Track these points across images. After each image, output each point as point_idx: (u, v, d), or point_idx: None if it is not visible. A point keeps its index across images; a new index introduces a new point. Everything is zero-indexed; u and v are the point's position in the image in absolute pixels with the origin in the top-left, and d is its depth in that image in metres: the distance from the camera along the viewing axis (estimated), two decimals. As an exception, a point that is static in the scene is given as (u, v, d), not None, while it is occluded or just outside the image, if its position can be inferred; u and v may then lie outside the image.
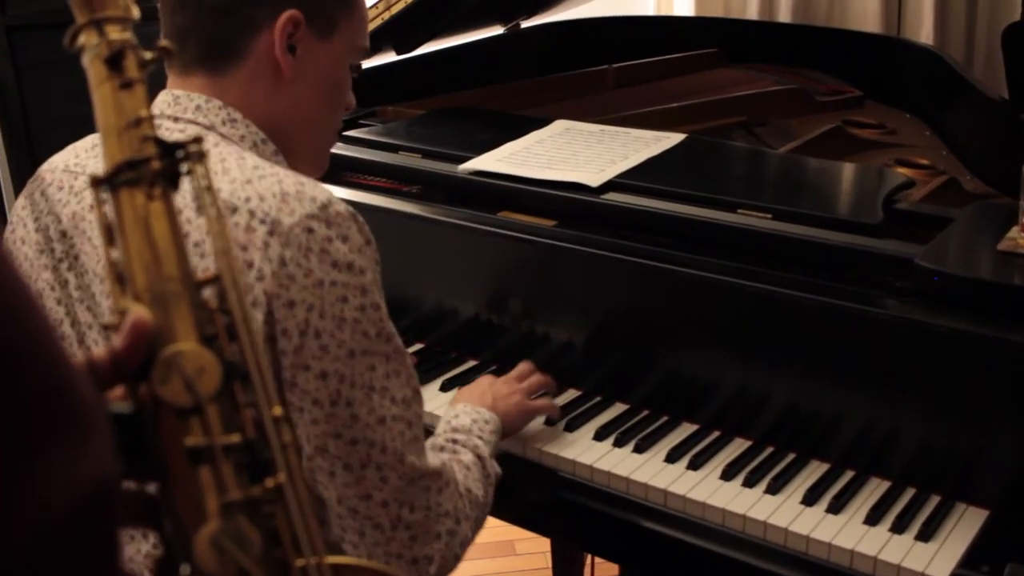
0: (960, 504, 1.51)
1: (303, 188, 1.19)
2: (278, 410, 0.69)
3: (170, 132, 1.26)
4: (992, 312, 1.46)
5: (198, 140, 0.73)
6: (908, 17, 3.73)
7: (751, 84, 2.71)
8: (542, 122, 2.16)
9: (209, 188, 0.74)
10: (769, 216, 1.70)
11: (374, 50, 2.30)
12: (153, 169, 0.69)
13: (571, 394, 1.81)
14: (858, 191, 1.88)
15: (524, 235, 1.81)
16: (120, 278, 0.68)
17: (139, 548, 1.32)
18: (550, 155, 1.96)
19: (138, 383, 0.65)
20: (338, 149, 2.00)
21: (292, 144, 1.36)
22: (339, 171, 1.76)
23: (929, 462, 1.53)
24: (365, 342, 1.19)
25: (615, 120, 2.28)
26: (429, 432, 1.46)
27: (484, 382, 1.69)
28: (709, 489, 1.57)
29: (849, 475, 1.58)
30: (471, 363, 1.91)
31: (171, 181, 0.70)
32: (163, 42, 0.77)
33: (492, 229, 1.84)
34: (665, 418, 1.73)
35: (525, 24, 2.97)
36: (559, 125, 2.13)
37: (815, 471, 1.60)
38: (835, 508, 1.51)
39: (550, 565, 2.73)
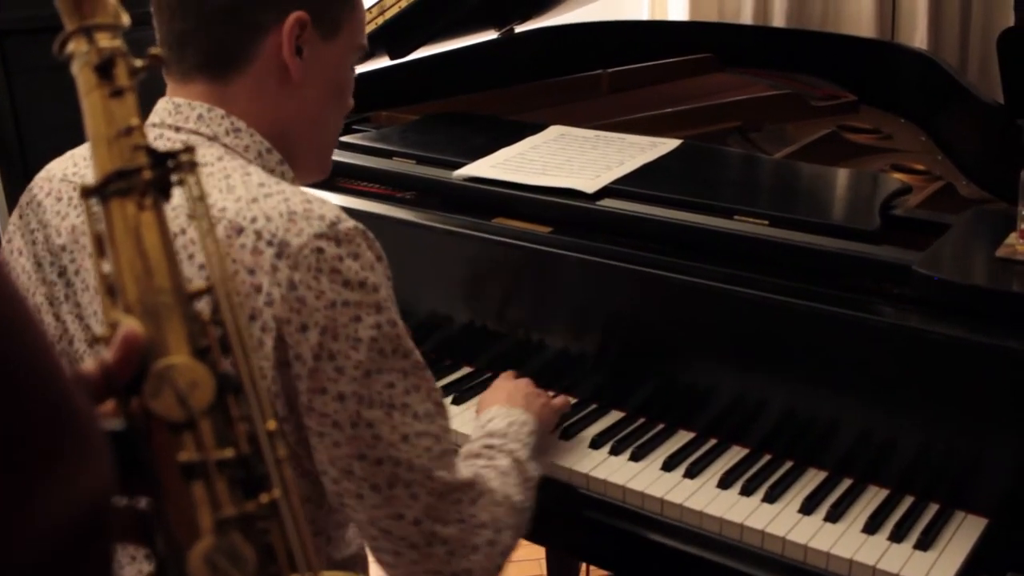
0: (959, 512, 1.50)
1: (310, 207, 1.16)
2: (272, 424, 0.68)
3: (172, 142, 1.24)
4: (991, 319, 1.45)
5: (189, 150, 0.72)
6: (902, 21, 3.72)
7: (746, 89, 2.70)
8: (537, 127, 2.15)
9: (201, 198, 0.73)
10: (766, 222, 1.69)
11: (368, 55, 2.29)
12: (144, 179, 0.68)
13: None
14: (855, 197, 1.87)
15: (519, 241, 1.80)
16: (111, 290, 0.67)
17: (140, 569, 1.30)
18: (545, 161, 1.95)
19: (129, 397, 0.64)
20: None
21: (297, 148, 1.34)
22: (332, 177, 1.75)
23: (927, 470, 1.52)
24: (381, 360, 1.17)
25: (610, 125, 2.27)
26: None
27: (509, 383, 1.66)
28: (706, 498, 1.56)
29: (847, 483, 1.57)
30: (466, 370, 1.90)
31: (162, 191, 0.69)
32: (154, 49, 0.75)
33: (487, 236, 1.83)
34: (661, 426, 1.72)
35: (519, 28, 2.96)
36: (554, 131, 2.12)
37: (813, 479, 1.59)
38: (833, 517, 1.50)
39: (545, 574, 2.71)
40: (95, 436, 0.54)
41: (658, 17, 4.10)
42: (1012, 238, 1.58)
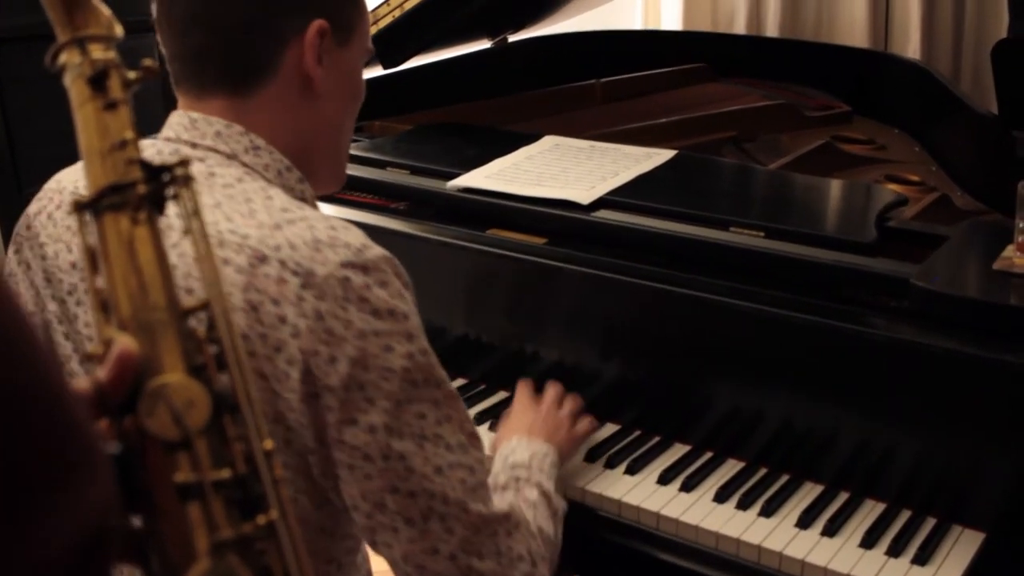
0: (956, 526, 1.49)
1: (336, 234, 1.12)
2: (269, 444, 0.67)
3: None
4: (988, 332, 1.45)
5: (184, 163, 0.70)
6: (895, 31, 3.72)
7: (739, 99, 2.70)
8: (531, 138, 2.14)
9: (196, 213, 0.71)
10: (761, 234, 1.69)
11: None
12: (139, 193, 0.66)
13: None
14: (851, 209, 1.87)
15: (514, 253, 1.79)
16: (104, 306, 0.65)
17: None
18: (540, 172, 1.94)
19: (123, 416, 0.62)
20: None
21: (317, 159, 1.30)
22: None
23: (925, 483, 1.51)
24: (412, 390, 1.13)
25: (604, 135, 2.26)
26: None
27: (530, 412, 1.63)
28: (702, 512, 1.55)
29: (844, 497, 1.56)
30: (460, 382, 1.89)
31: (157, 205, 0.67)
32: (148, 61, 0.73)
33: (481, 247, 1.82)
34: (657, 439, 1.71)
35: (512, 38, 2.95)
36: (548, 141, 2.11)
37: (809, 492, 1.58)
38: (830, 531, 1.49)
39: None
40: (100, 455, 0.54)
41: (651, 27, 4.10)
42: (1009, 251, 1.57)
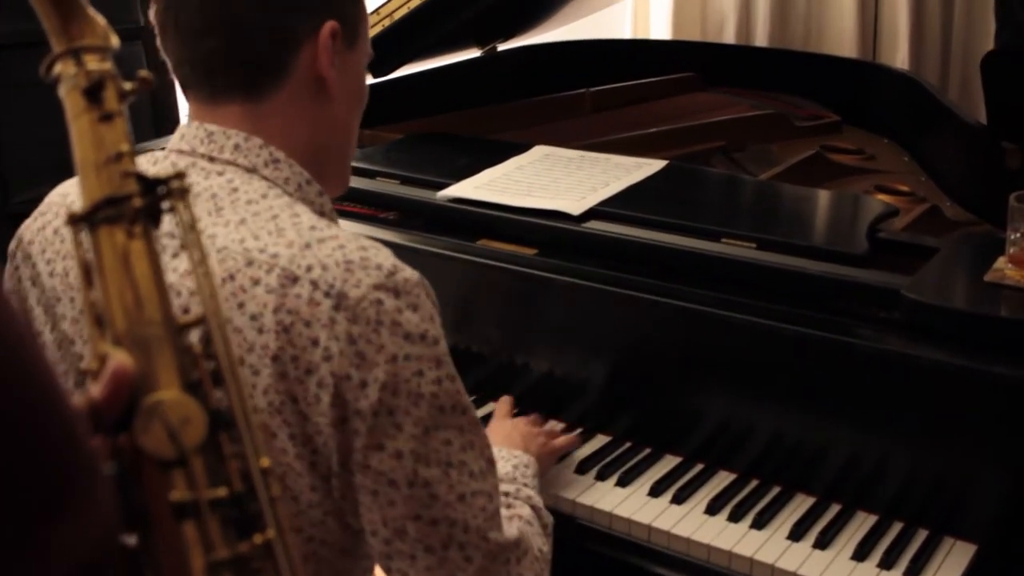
0: (948, 538, 1.49)
1: (367, 254, 1.10)
2: (266, 461, 0.66)
3: (207, 173, 1.17)
4: (980, 344, 1.44)
5: (180, 176, 0.69)
6: (884, 41, 3.73)
7: (729, 109, 2.70)
8: (521, 148, 2.14)
9: (193, 226, 0.70)
10: (753, 246, 1.68)
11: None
12: (134, 206, 0.65)
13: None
14: (842, 220, 1.86)
15: (504, 264, 1.78)
16: (99, 321, 0.64)
17: None
18: (530, 182, 1.94)
19: (118, 433, 0.61)
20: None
21: (329, 163, 1.27)
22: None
23: (916, 495, 1.51)
24: (440, 417, 1.11)
25: (593, 145, 2.26)
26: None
27: (507, 423, 1.63)
28: (694, 524, 1.54)
29: (836, 509, 1.56)
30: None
31: (152, 219, 0.66)
32: (144, 73, 0.72)
33: (471, 257, 1.81)
34: (648, 450, 1.70)
35: (502, 47, 2.95)
36: (538, 151, 2.11)
37: (801, 505, 1.58)
38: (822, 543, 1.49)
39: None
40: (101, 476, 0.53)
41: (640, 36, 4.09)
42: (1000, 262, 1.57)
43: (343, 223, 1.91)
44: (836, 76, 2.83)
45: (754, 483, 1.62)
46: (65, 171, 1.28)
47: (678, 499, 1.59)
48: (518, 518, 1.31)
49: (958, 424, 1.46)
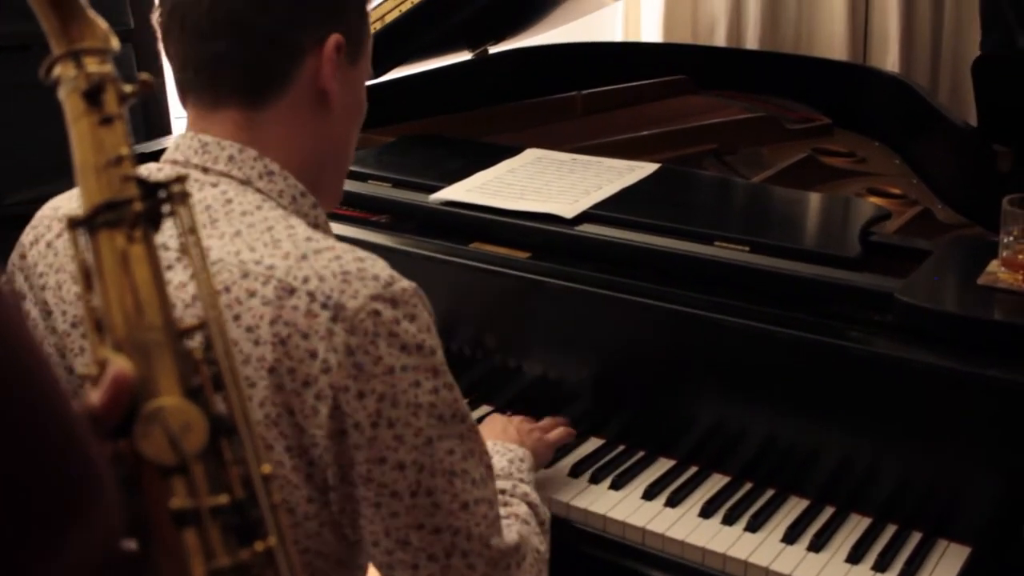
0: (942, 541, 1.49)
1: (363, 265, 1.09)
2: (267, 468, 0.65)
3: (201, 185, 1.17)
4: (973, 347, 1.44)
5: (180, 180, 0.68)
6: (874, 44, 3.73)
7: (720, 111, 2.70)
8: (513, 151, 2.13)
9: (193, 231, 0.70)
10: (746, 249, 1.68)
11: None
12: (134, 211, 0.65)
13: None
14: (835, 223, 1.86)
15: (497, 267, 1.78)
16: (99, 326, 0.64)
17: None
18: (523, 185, 1.93)
19: (118, 439, 0.61)
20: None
21: (325, 176, 1.27)
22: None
23: (911, 498, 1.51)
24: (441, 426, 1.11)
25: (585, 148, 2.26)
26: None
27: (501, 418, 1.64)
28: (688, 527, 1.54)
29: (829, 511, 1.56)
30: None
31: (153, 223, 0.66)
32: (144, 75, 0.72)
33: (464, 261, 1.80)
34: (642, 453, 1.70)
35: (493, 49, 2.94)
36: (531, 154, 2.10)
37: (795, 507, 1.57)
38: (816, 546, 1.49)
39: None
40: (108, 482, 0.52)
41: (632, 38, 4.10)
42: (993, 265, 1.57)
43: (335, 226, 1.92)
44: (827, 79, 2.84)
45: (748, 486, 1.62)
46: (58, 173, 1.27)
47: (672, 502, 1.59)
48: (515, 517, 1.31)
49: (952, 427, 1.46)
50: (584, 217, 1.81)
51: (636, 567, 1.54)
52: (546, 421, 1.69)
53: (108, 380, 0.60)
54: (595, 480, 1.64)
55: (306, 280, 1.07)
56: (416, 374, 1.09)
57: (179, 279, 1.10)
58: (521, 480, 1.43)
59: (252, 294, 1.08)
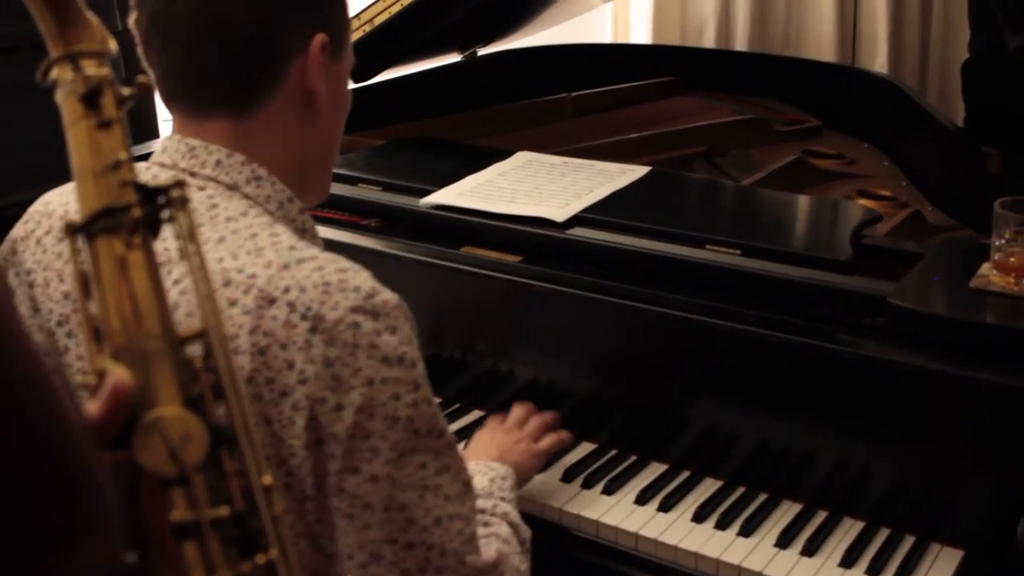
0: (935, 544, 1.49)
1: (345, 276, 1.08)
2: (268, 478, 0.64)
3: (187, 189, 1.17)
4: (965, 351, 1.44)
5: (180, 184, 0.67)
6: (863, 46, 3.74)
7: (709, 113, 2.69)
8: (504, 153, 2.12)
9: (192, 235, 0.69)
10: (738, 252, 1.67)
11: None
12: (133, 216, 0.63)
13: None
14: (826, 226, 1.86)
15: (488, 271, 1.77)
16: (97, 334, 0.63)
17: None
18: (514, 188, 1.92)
19: (117, 450, 0.59)
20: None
21: (312, 175, 1.27)
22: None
23: (903, 502, 1.51)
24: (416, 440, 1.10)
25: (575, 150, 2.25)
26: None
27: (486, 434, 1.62)
28: (681, 532, 1.53)
29: (822, 516, 1.56)
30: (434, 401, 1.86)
31: (152, 229, 0.65)
32: (142, 78, 0.71)
33: (455, 265, 1.80)
34: (634, 458, 1.69)
35: (482, 51, 2.94)
36: (521, 157, 2.10)
37: (788, 512, 1.57)
38: (809, 550, 1.49)
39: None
40: (109, 491, 0.52)
41: (621, 40, 4.09)
42: (985, 268, 1.57)
43: (324, 230, 1.91)
44: (816, 80, 2.84)
45: (741, 490, 1.61)
46: (57, 175, 1.26)
47: (665, 507, 1.58)
48: (495, 537, 1.30)
49: (944, 430, 1.46)
50: (575, 221, 1.80)
51: (629, 572, 1.54)
52: (532, 423, 1.67)
53: (107, 390, 0.59)
54: (587, 485, 1.63)
55: (287, 290, 1.06)
56: (396, 387, 1.08)
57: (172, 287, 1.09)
58: (502, 499, 1.41)
59: (233, 303, 1.07)
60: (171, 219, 0.67)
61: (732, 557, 1.48)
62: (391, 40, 2.40)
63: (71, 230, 0.66)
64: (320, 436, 1.07)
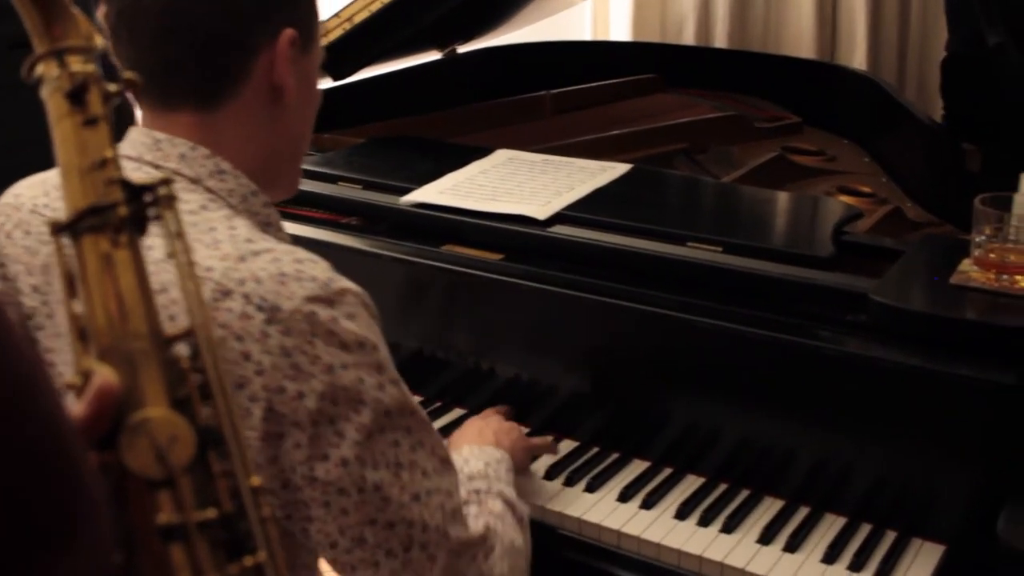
0: (916, 540, 1.49)
1: (302, 267, 1.09)
2: (256, 480, 0.63)
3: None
4: (947, 347, 1.45)
5: (167, 182, 0.67)
6: (842, 43, 3.75)
7: (690, 110, 2.69)
8: (484, 151, 2.12)
9: (180, 235, 0.68)
10: (719, 249, 1.67)
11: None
12: (120, 215, 0.63)
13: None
14: (807, 223, 1.86)
15: (469, 269, 1.76)
16: (83, 334, 0.62)
17: None
18: (494, 186, 1.92)
19: (103, 452, 0.59)
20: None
21: (281, 169, 1.27)
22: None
23: (885, 498, 1.51)
24: (384, 420, 1.10)
25: (555, 147, 2.25)
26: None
27: (477, 422, 1.62)
28: (663, 529, 1.53)
29: (804, 512, 1.56)
30: (416, 399, 1.85)
31: (138, 227, 0.64)
32: (129, 75, 0.70)
33: (436, 263, 1.79)
34: (616, 455, 1.69)
35: (461, 49, 2.93)
36: (502, 155, 2.09)
37: (770, 508, 1.57)
38: (792, 547, 1.49)
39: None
40: (100, 494, 0.51)
41: (601, 37, 4.09)
42: (966, 264, 1.57)
43: (305, 229, 1.91)
44: (796, 77, 2.84)
45: (723, 487, 1.61)
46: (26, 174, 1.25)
47: (647, 504, 1.58)
48: (488, 513, 1.30)
49: (926, 426, 1.46)
50: (556, 218, 1.80)
51: (612, 570, 1.53)
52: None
53: (92, 392, 0.59)
54: (570, 483, 1.63)
55: (242, 282, 1.07)
56: (358, 371, 1.08)
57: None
58: (498, 479, 1.41)
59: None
60: (158, 218, 0.67)
61: (714, 554, 1.48)
62: (371, 38, 2.39)
63: (57, 229, 0.65)
64: (280, 429, 1.07)
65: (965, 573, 1.45)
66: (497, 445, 1.52)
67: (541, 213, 1.80)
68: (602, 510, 1.57)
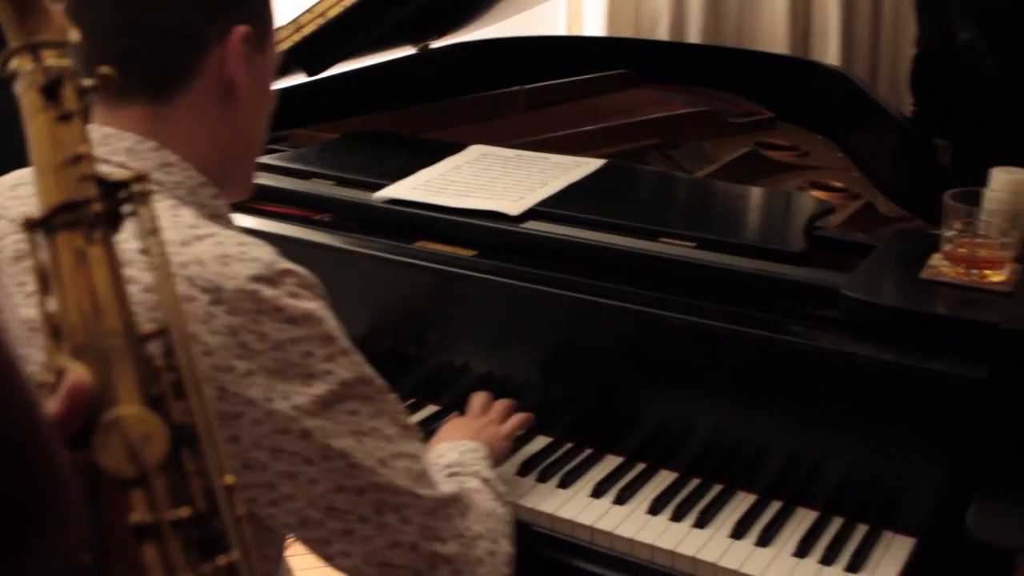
0: (887, 533, 1.50)
1: (245, 249, 1.10)
2: (230, 478, 0.63)
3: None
4: (917, 341, 1.45)
5: (143, 178, 0.67)
6: (815, 39, 3.76)
7: (663, 105, 2.70)
8: (457, 147, 2.11)
9: (155, 231, 0.68)
10: (692, 244, 1.68)
11: (284, 71, 2.23)
12: (94, 211, 0.63)
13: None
14: (780, 218, 1.87)
15: (442, 265, 1.76)
16: (56, 331, 0.62)
17: None
18: (467, 182, 1.92)
19: (75, 450, 0.58)
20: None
21: (234, 167, 1.27)
22: (247, 198, 1.69)
23: (856, 491, 1.52)
24: (341, 389, 1.11)
25: (529, 143, 2.25)
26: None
27: (452, 423, 1.63)
28: (637, 524, 1.53)
29: (776, 506, 1.56)
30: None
31: (112, 224, 0.64)
32: (104, 69, 0.70)
33: (408, 259, 1.79)
34: (589, 451, 1.69)
35: (435, 44, 2.93)
36: (475, 151, 2.09)
37: (742, 503, 1.57)
38: (764, 541, 1.49)
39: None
40: (74, 492, 0.51)
41: (575, 33, 4.09)
42: (936, 259, 1.58)
43: (277, 225, 1.90)
44: (769, 73, 2.85)
45: (695, 482, 1.62)
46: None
47: (620, 499, 1.58)
48: (461, 484, 1.31)
49: (897, 420, 1.47)
50: (530, 214, 1.80)
51: (585, 566, 1.53)
52: (496, 407, 1.67)
53: (65, 390, 0.58)
54: (543, 479, 1.63)
55: (185, 265, 1.07)
56: (308, 344, 1.09)
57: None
58: (473, 463, 1.42)
59: (132, 281, 1.06)
60: (133, 214, 0.66)
61: (687, 548, 1.48)
62: (344, 33, 2.38)
63: (30, 225, 0.65)
64: (234, 408, 1.07)
65: (935, 566, 1.46)
66: (473, 438, 1.52)
67: (514, 209, 1.80)
68: (575, 506, 1.57)
